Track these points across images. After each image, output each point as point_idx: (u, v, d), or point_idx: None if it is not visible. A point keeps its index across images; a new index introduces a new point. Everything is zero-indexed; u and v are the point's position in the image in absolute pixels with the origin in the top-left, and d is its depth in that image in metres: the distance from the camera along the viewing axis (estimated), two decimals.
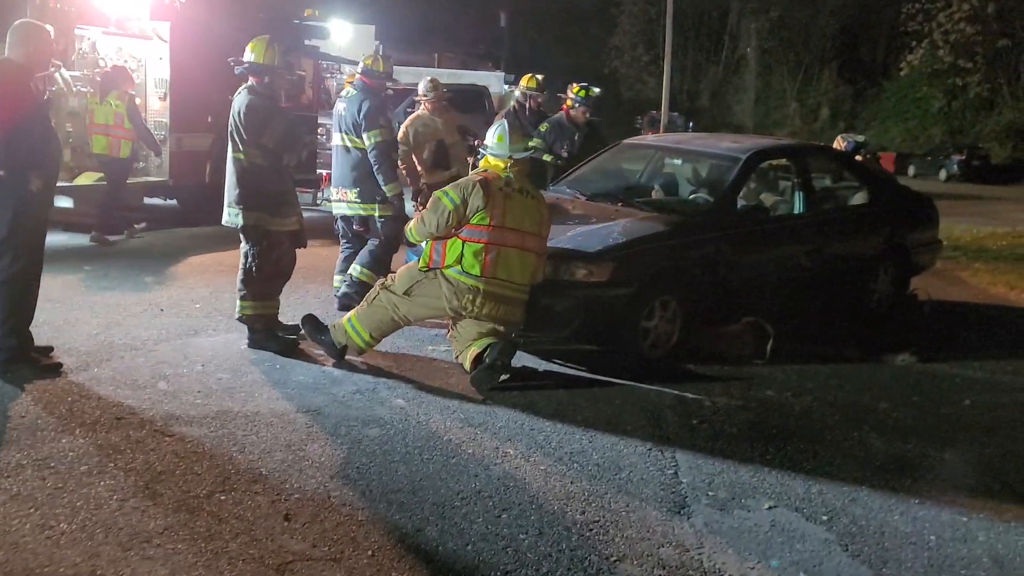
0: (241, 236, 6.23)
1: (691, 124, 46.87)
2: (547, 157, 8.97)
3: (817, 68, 51.73)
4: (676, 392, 5.92)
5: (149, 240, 10.60)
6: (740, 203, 7.26)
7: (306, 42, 13.99)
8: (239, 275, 6.26)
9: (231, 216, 6.21)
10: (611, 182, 7.95)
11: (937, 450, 5.20)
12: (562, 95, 9.38)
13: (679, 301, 6.62)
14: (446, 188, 5.88)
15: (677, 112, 47.60)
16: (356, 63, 17.37)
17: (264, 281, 6.22)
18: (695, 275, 6.71)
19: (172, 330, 6.62)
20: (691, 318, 6.72)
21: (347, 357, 6.04)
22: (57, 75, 10.03)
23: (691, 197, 7.53)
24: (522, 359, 6.32)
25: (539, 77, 10.31)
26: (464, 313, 5.79)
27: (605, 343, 6.58)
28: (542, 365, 6.37)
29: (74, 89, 10.42)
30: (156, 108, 11.39)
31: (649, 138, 8.26)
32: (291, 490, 4.16)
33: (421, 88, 9.62)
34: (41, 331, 6.04)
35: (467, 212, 5.71)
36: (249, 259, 6.20)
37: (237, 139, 6.12)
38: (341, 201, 7.54)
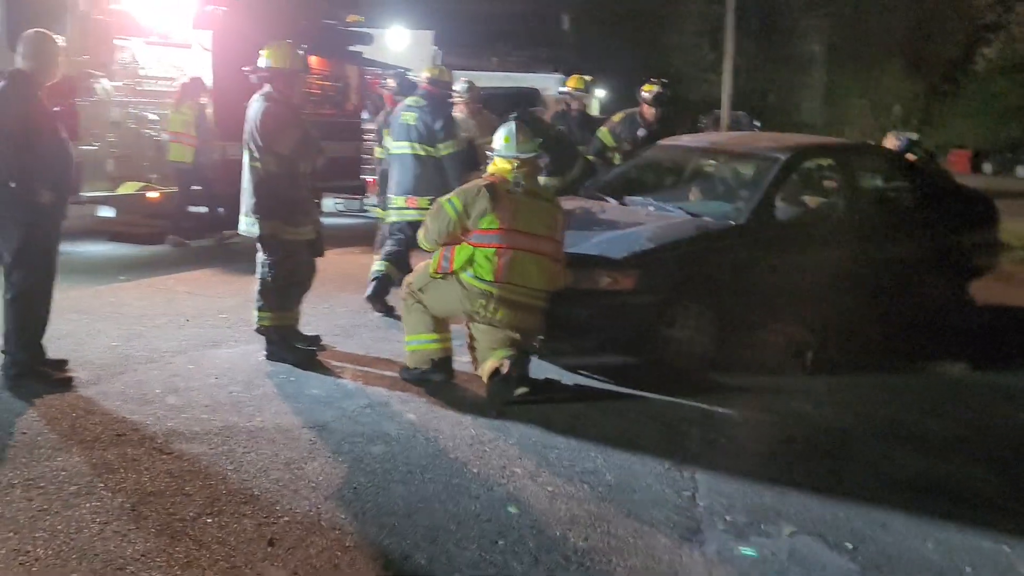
0: (257, 246, 6.11)
1: (757, 123, 46.10)
2: (616, 159, 8.77)
3: (887, 64, 50.41)
4: (704, 406, 5.62)
5: (202, 248, 10.65)
6: (781, 205, 6.90)
7: (350, 48, 13.91)
8: (256, 285, 6.14)
9: (247, 225, 6.10)
10: (646, 185, 7.66)
11: (982, 470, 4.83)
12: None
13: (712, 310, 6.32)
14: (450, 194, 5.68)
15: (744, 112, 46.87)
16: (401, 69, 17.36)
17: (281, 291, 6.09)
18: (729, 282, 6.39)
19: (193, 341, 6.52)
20: (725, 327, 6.41)
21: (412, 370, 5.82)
22: (98, 85, 10.11)
23: (728, 200, 7.20)
24: (545, 370, 6.09)
25: (586, 78, 10.09)
26: (477, 318, 5.58)
27: (633, 354, 6.31)
28: (565, 376, 6.11)
29: (114, 99, 10.44)
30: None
31: (685, 139, 7.95)
32: (281, 512, 3.99)
33: (456, 90, 9.47)
34: (63, 343, 6.04)
35: (472, 218, 5.51)
36: (265, 269, 6.08)
37: (253, 147, 6.00)
38: (409, 208, 7.46)
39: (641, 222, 6.62)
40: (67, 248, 9.61)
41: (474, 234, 5.53)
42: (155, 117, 11.11)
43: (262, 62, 6.11)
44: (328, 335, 6.76)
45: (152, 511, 3.94)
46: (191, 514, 3.93)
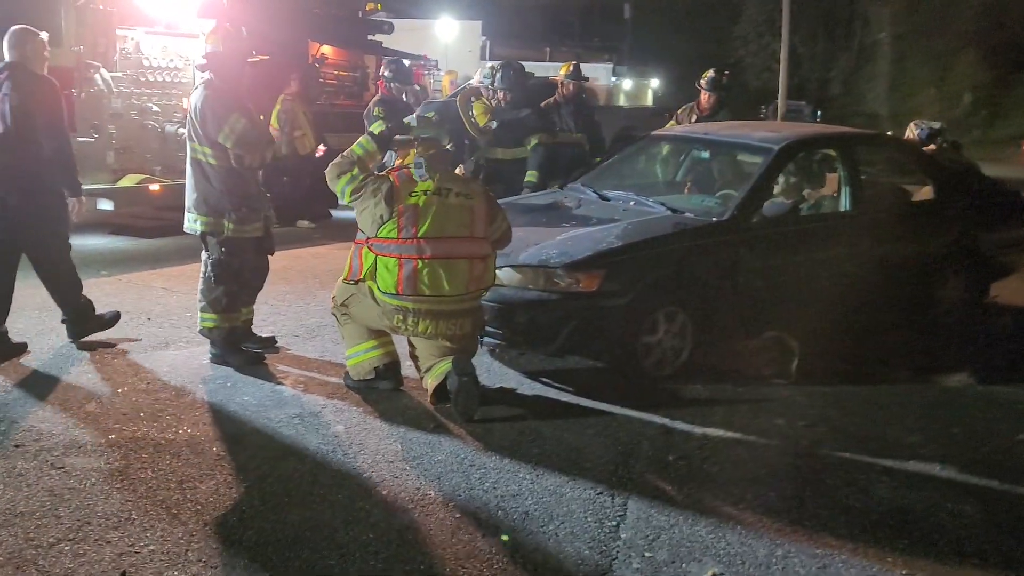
0: (202, 243, 5.80)
1: (819, 113, 44.90)
2: None
3: (958, 52, 48.65)
4: (666, 420, 5.15)
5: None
6: (773, 200, 6.36)
7: (369, 38, 13.60)
8: (199, 285, 5.83)
9: (189, 222, 5.78)
10: (635, 178, 7.19)
11: (955, 501, 4.28)
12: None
13: (689, 313, 5.84)
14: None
15: (804, 101, 45.70)
16: (418, 57, 16.95)
17: (227, 292, 5.76)
18: (709, 283, 5.90)
19: (146, 341, 6.24)
20: (704, 332, 5.93)
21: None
22: (96, 76, 9.93)
23: (716, 194, 6.69)
24: (505, 376, 5.69)
25: (574, 64, 9.58)
26: (400, 332, 5.20)
27: (603, 361, 5.86)
28: (525, 384, 5.69)
29: (114, 90, 10.26)
30: None
31: (677, 129, 7.44)
32: (151, 540, 3.64)
33: (476, 78, 9.11)
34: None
35: (372, 224, 5.11)
36: (208, 269, 5.76)
37: (194, 137, 5.69)
38: None
39: (616, 218, 6.15)
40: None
41: (375, 243, 5.11)
42: (159, 108, 10.94)
43: (205, 48, 5.78)
44: (289, 336, 6.45)
45: (11, 535, 3.62)
46: (51, 540, 3.59)
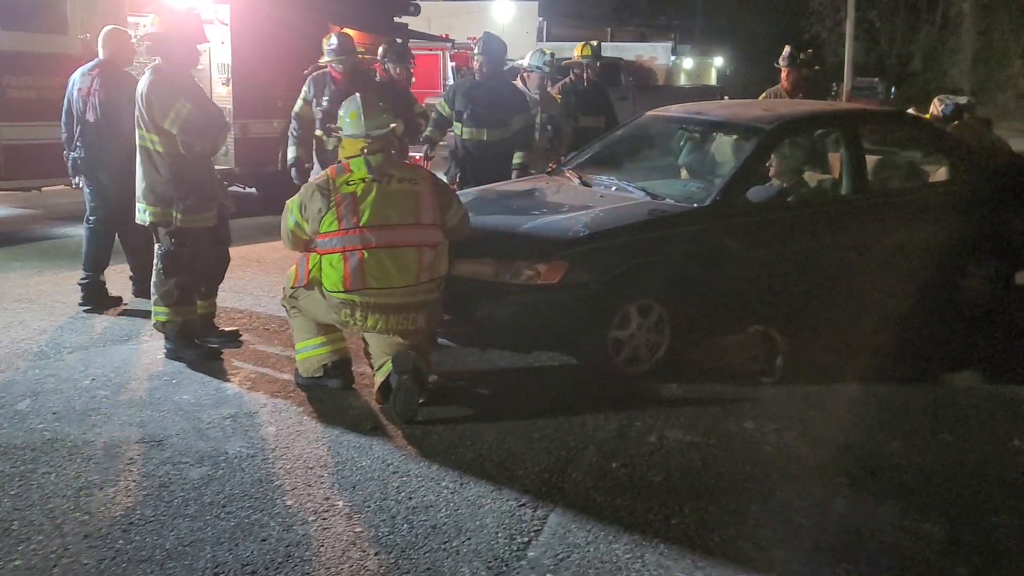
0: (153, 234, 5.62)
1: (893, 91, 43.44)
2: None
3: None
4: (623, 422, 4.78)
5: None
6: (762, 185, 5.90)
7: (394, 20, 13.34)
8: (152, 277, 5.64)
9: (139, 213, 5.59)
10: (626, 161, 6.77)
11: (921, 519, 3.84)
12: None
13: (665, 306, 5.45)
14: (293, 197, 5.01)
15: (877, 78, 44.24)
16: (443, 39, 16.65)
17: (177, 285, 5.56)
18: (688, 275, 5.50)
19: (105, 334, 6.09)
20: (683, 327, 5.53)
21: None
22: None
23: (703, 178, 6.25)
24: (465, 368, 5.39)
25: (593, 44, 9.19)
26: (349, 328, 4.92)
27: (572, 356, 5.52)
28: (486, 380, 5.38)
29: None
30: (221, 94, 11.03)
31: (673, 109, 7.01)
32: (20, 554, 3.43)
33: (526, 61, 8.77)
34: None
35: (310, 221, 4.84)
36: (158, 261, 5.57)
37: (141, 124, 5.49)
38: None
39: (589, 205, 5.78)
40: (59, 231, 9.55)
41: (317, 239, 4.85)
42: None
43: (149, 31, 5.57)
44: (259, 329, 6.25)
45: None
46: None
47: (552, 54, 8.76)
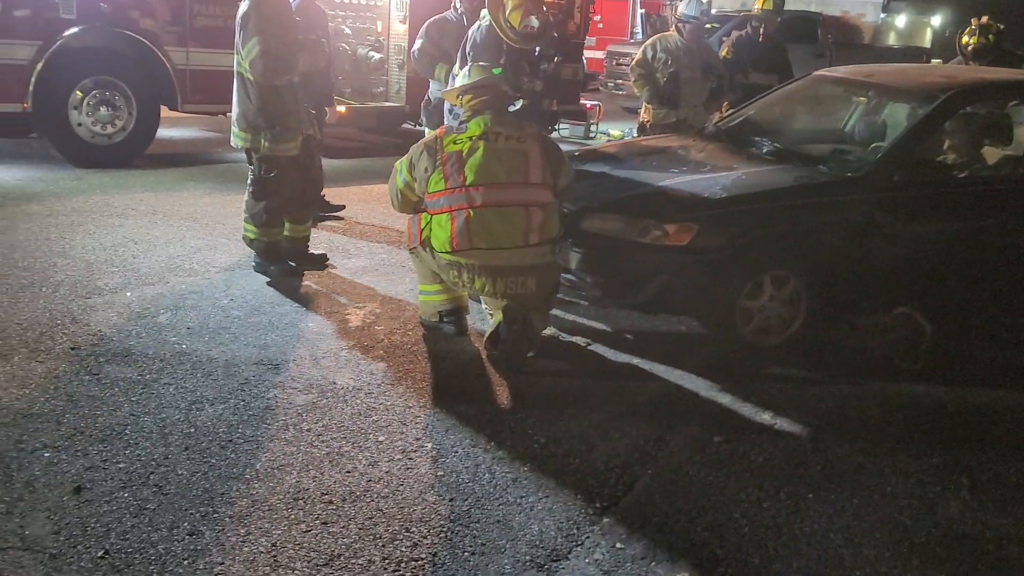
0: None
1: None
2: None
3: None
4: (737, 395, 4.60)
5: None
6: (930, 157, 5.49)
7: None
8: (245, 197, 5.91)
9: (233, 137, 5.84)
10: (785, 122, 6.44)
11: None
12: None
13: (802, 279, 5.18)
14: (402, 158, 5.01)
15: None
16: None
17: (265, 209, 5.82)
18: (831, 248, 5.19)
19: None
20: (821, 303, 5.25)
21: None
22: None
23: (865, 146, 5.85)
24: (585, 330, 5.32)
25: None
26: (459, 290, 4.93)
27: (696, 321, 5.35)
28: (605, 340, 5.29)
29: None
30: (399, 32, 11.18)
31: (841, 69, 6.55)
32: (127, 458, 3.63)
33: (681, 8, 8.47)
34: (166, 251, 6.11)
35: (418, 181, 4.85)
36: (249, 183, 5.85)
37: (239, 50, 5.65)
38: None
39: (734, 166, 5.53)
40: (235, 156, 9.96)
41: (426, 199, 4.84)
42: (351, 31, 11.11)
43: None
44: (395, 264, 6.37)
45: (5, 435, 3.73)
46: (37, 445, 3.67)
47: (709, 1, 8.34)
